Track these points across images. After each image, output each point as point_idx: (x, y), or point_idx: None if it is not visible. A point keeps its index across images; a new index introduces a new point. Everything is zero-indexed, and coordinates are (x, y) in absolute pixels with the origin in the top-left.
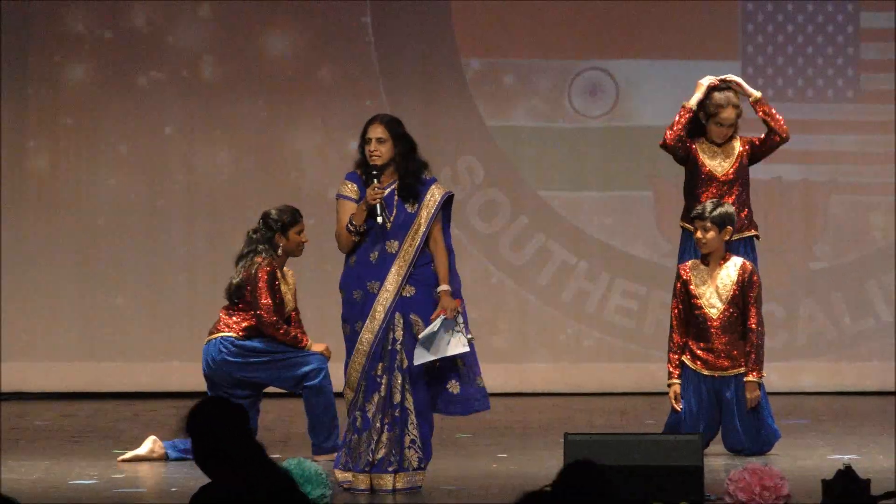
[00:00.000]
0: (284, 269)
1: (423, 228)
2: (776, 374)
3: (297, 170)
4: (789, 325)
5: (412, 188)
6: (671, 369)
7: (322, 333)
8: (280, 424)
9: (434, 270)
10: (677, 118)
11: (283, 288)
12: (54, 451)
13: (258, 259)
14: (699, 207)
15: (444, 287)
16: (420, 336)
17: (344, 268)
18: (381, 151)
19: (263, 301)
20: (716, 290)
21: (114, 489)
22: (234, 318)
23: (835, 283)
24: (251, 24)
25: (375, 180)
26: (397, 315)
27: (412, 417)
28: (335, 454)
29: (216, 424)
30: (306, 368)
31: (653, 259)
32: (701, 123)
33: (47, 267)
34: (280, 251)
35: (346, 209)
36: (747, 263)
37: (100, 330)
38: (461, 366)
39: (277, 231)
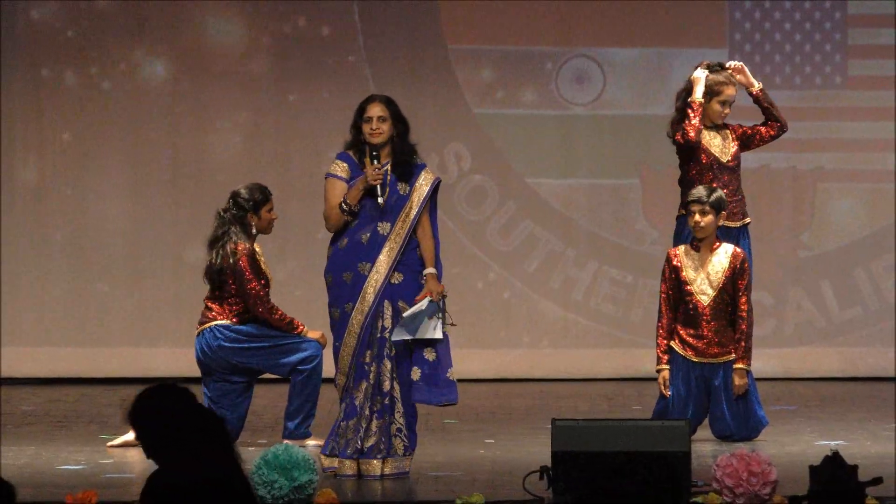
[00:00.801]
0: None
1: (414, 212)
2: (764, 361)
3: (292, 154)
4: (778, 312)
5: (407, 168)
6: (660, 354)
7: (309, 320)
8: (270, 410)
9: (420, 255)
10: (691, 114)
11: (262, 266)
12: (41, 437)
13: (232, 246)
14: (695, 192)
15: (430, 270)
16: (404, 315)
17: (330, 252)
18: (382, 129)
19: (253, 288)
20: (707, 276)
21: (102, 474)
22: (223, 306)
23: (823, 270)
24: (237, 7)
25: (376, 160)
26: (386, 303)
27: (398, 405)
28: (305, 440)
29: (161, 412)
30: (302, 355)
31: (640, 247)
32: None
33: (36, 254)
34: (252, 230)
35: (335, 189)
36: (738, 251)
37: (86, 316)
38: (431, 354)
39: (249, 210)
